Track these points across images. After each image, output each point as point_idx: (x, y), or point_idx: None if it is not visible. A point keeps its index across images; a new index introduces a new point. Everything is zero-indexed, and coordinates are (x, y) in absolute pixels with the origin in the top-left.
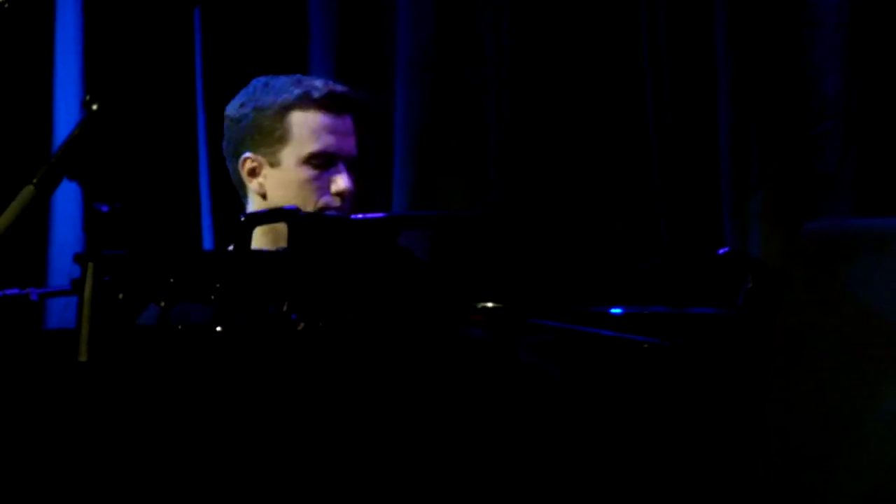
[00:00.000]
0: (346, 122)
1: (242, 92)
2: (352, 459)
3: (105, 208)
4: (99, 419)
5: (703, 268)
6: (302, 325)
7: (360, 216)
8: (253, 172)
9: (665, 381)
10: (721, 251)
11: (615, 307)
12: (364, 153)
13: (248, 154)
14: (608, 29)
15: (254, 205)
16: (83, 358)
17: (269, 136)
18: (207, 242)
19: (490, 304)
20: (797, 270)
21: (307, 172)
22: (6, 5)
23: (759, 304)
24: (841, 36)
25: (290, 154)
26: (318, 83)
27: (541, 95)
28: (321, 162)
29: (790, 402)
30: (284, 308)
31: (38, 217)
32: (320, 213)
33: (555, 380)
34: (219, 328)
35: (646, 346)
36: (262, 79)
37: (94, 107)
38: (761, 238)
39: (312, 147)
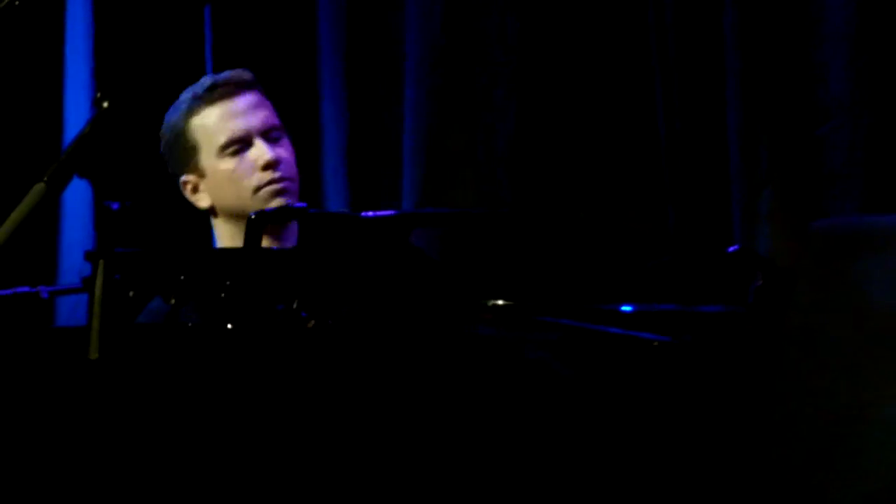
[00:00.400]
0: (245, 100)
1: None
2: (362, 457)
3: (115, 206)
4: (109, 417)
5: (713, 266)
6: (312, 322)
7: (370, 214)
8: (195, 190)
9: (674, 378)
10: (730, 249)
11: (625, 305)
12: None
13: (182, 178)
14: (616, 28)
15: (213, 222)
16: (94, 356)
17: (185, 152)
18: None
19: (500, 302)
20: (805, 268)
21: (228, 163)
22: (17, 3)
23: (767, 302)
24: (848, 34)
25: (207, 157)
26: (204, 80)
27: (549, 94)
28: (235, 148)
29: (798, 399)
30: (294, 306)
31: (48, 215)
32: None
33: (564, 377)
34: (229, 326)
35: (655, 343)
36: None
37: (105, 104)
38: (770, 236)
39: (219, 140)
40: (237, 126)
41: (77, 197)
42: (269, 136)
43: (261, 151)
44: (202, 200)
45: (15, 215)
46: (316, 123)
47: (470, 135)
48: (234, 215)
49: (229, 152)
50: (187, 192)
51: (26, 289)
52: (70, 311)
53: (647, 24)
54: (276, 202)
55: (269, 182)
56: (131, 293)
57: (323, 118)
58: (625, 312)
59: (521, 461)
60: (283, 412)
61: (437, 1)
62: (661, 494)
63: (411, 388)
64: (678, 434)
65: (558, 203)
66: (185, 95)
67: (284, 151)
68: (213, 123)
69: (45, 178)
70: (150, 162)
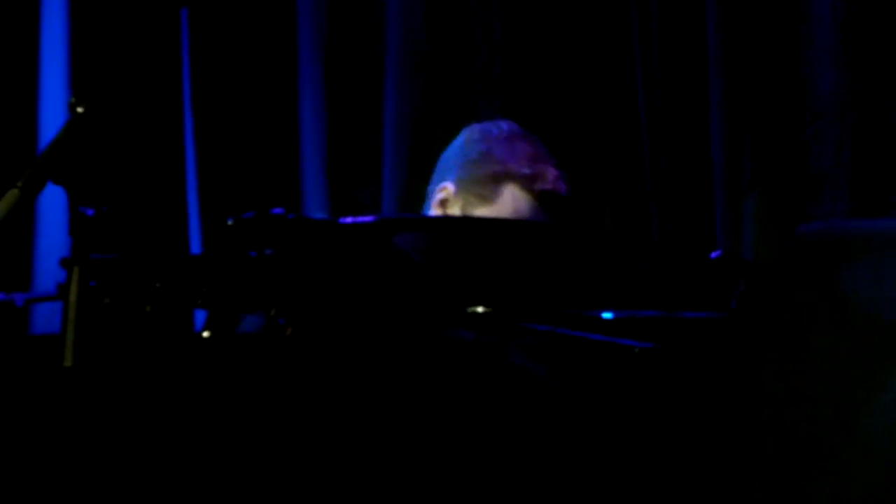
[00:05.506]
0: None
1: None
2: (341, 462)
3: (91, 212)
4: (84, 425)
5: (696, 271)
6: (290, 329)
7: (349, 220)
8: None
9: (657, 385)
10: (713, 254)
11: (606, 311)
12: None
13: None
14: (600, 29)
15: None
16: (68, 363)
17: None
18: (195, 246)
19: (481, 308)
20: (791, 272)
21: None
22: None
23: (751, 307)
24: (836, 33)
25: None
26: None
27: (533, 96)
28: None
29: (783, 405)
30: (272, 313)
31: (22, 221)
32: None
33: (545, 383)
34: (206, 333)
35: (637, 350)
36: None
37: (80, 109)
38: (755, 240)
39: None
40: None
41: (52, 203)
42: None
43: None
44: None
45: None
46: (295, 126)
47: (453, 136)
48: None
49: None
50: None
51: (1, 296)
52: (45, 318)
53: (630, 25)
54: None
55: None
56: (107, 300)
57: (302, 121)
58: (606, 319)
59: (501, 467)
60: (261, 419)
61: (418, 2)
62: (642, 500)
63: (392, 394)
64: (661, 440)
65: None
66: None
67: None
68: None
69: (19, 184)
70: (126, 167)
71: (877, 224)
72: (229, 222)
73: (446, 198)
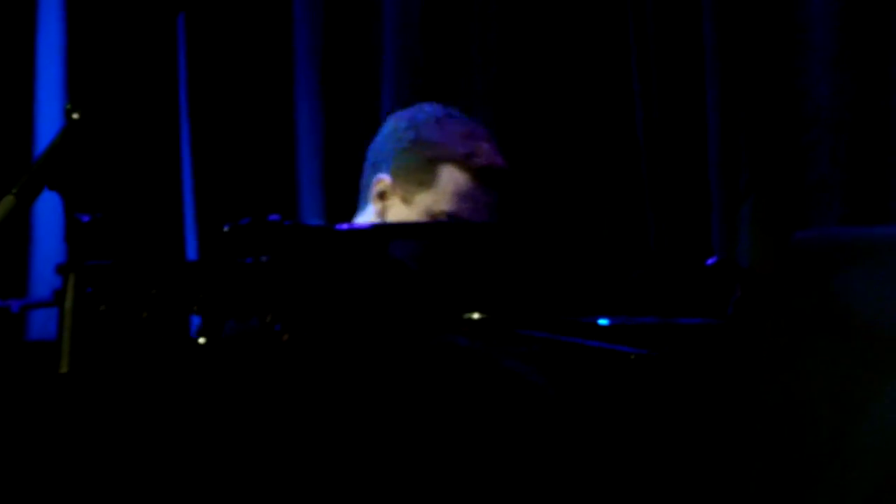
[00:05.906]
0: None
1: None
2: (337, 468)
3: (86, 218)
4: (80, 431)
5: (692, 278)
6: (286, 336)
7: (345, 226)
8: None
9: (653, 391)
10: (709, 261)
11: (603, 317)
12: None
13: None
14: (597, 37)
15: None
16: (64, 370)
17: None
18: (191, 252)
19: (477, 315)
20: (788, 279)
21: None
22: None
23: (748, 313)
24: (832, 41)
25: None
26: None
27: (528, 103)
28: None
29: (781, 412)
30: (268, 319)
31: (18, 227)
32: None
33: (541, 390)
34: (202, 340)
35: (633, 356)
36: None
37: (76, 115)
38: (751, 248)
39: None
40: None
41: (48, 209)
42: None
43: None
44: None
45: None
46: (291, 132)
47: None
48: None
49: None
50: None
51: None
52: (41, 324)
53: (627, 34)
54: None
55: None
56: (103, 307)
57: (298, 127)
58: (603, 325)
59: (498, 473)
60: (257, 425)
61: (414, 7)
62: None
63: (388, 401)
64: (658, 447)
65: (537, 213)
66: None
67: None
68: None
69: (15, 190)
70: (122, 173)
71: (873, 231)
72: (225, 229)
73: (384, 190)
